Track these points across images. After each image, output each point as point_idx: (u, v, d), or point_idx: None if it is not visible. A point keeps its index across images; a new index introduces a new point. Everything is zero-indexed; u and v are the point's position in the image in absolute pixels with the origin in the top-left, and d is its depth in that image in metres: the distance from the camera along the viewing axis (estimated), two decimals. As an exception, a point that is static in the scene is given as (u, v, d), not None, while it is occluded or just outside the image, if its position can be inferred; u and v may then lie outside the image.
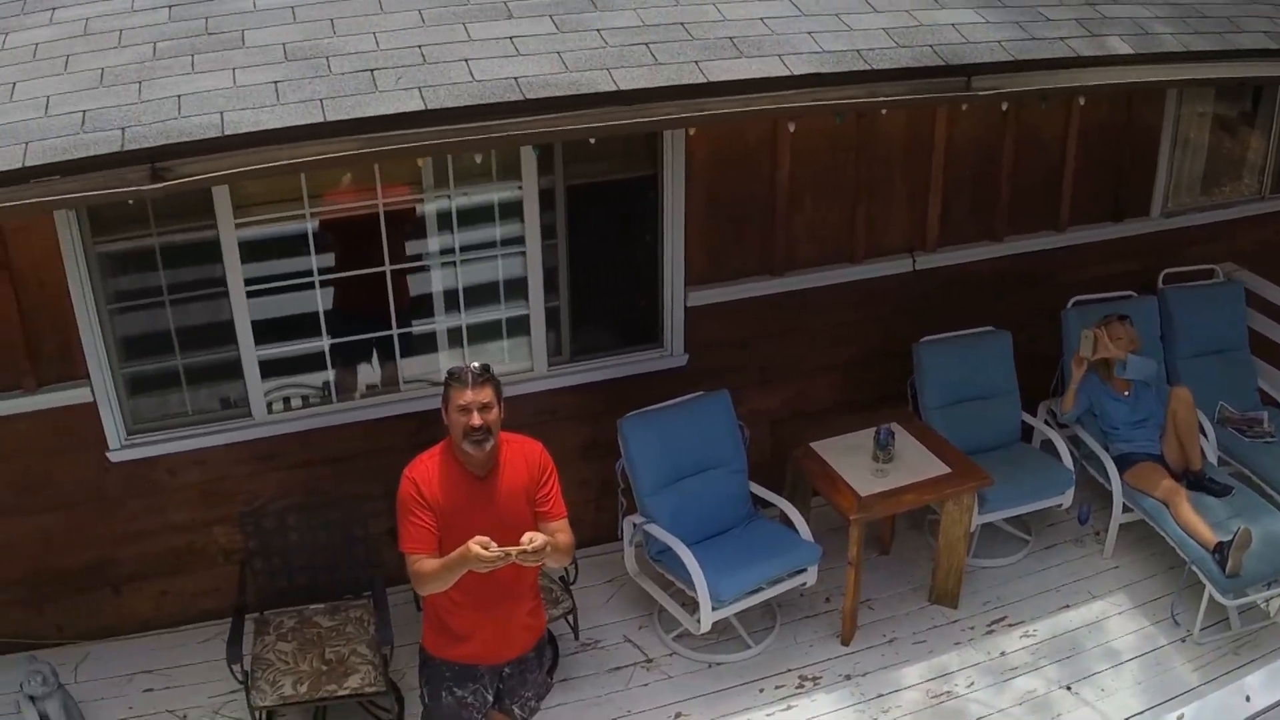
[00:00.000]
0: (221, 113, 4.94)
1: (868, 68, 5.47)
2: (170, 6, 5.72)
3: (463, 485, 4.85)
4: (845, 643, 6.66)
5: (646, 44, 5.44)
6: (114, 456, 6.40)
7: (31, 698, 5.99)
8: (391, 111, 4.98)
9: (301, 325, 6.54)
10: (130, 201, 5.13)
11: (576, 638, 6.58)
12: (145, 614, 6.75)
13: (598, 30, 5.53)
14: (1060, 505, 7.12)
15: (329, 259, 6.53)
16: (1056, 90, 5.93)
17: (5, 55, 5.46)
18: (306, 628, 6.21)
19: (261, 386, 6.50)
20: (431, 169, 6.42)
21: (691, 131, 6.27)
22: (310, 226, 6.36)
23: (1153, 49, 5.96)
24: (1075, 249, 7.73)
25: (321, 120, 4.92)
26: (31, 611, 6.64)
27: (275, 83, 5.13)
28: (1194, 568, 6.56)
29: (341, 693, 5.84)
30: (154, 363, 6.48)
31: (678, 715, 6.26)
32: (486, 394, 4.75)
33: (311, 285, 6.46)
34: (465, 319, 6.73)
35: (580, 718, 6.26)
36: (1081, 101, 6.67)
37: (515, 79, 5.14)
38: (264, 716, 6.00)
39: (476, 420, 4.71)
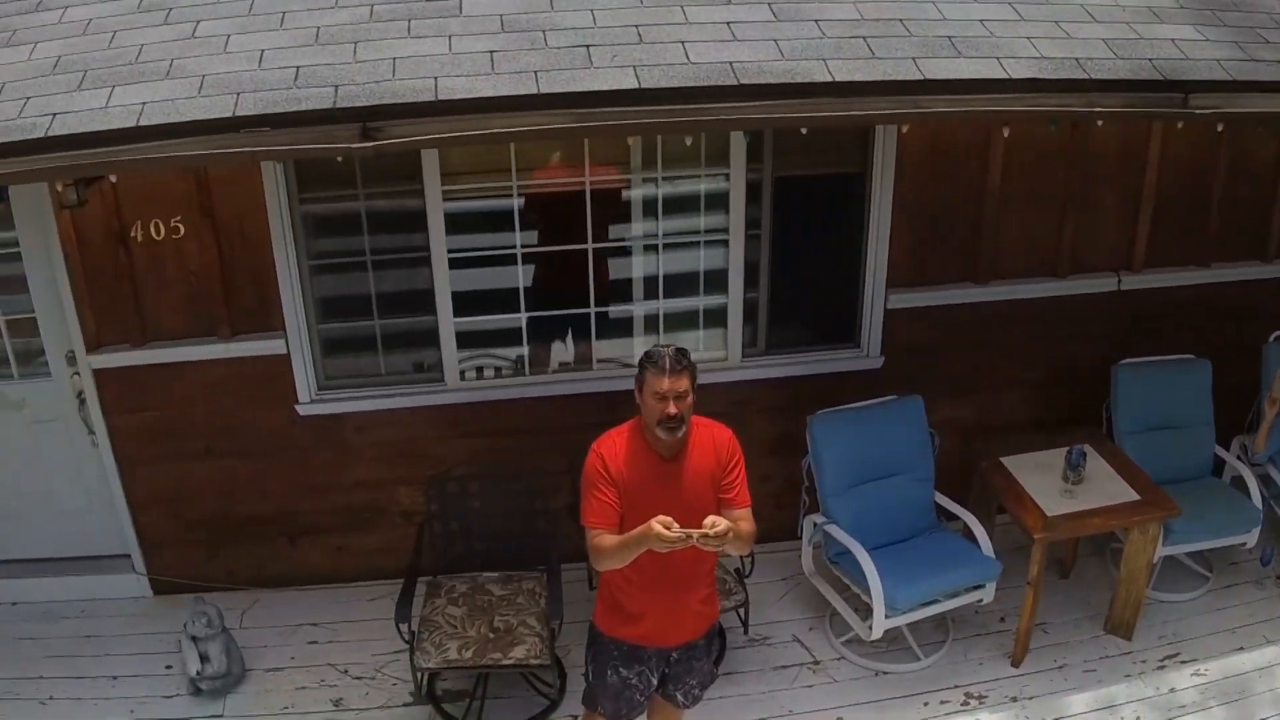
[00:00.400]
0: (435, 78, 4.98)
1: (1086, 77, 5.32)
2: (389, -29, 5.76)
3: (649, 465, 4.81)
4: (1015, 664, 6.50)
5: (864, 37, 5.35)
6: (303, 410, 6.51)
7: (194, 638, 6.14)
8: (605, 88, 4.97)
9: (500, 298, 6.54)
10: (339, 159, 5.22)
11: (746, 632, 6.51)
12: (319, 567, 6.85)
13: (815, 21, 5.45)
14: (1244, 544, 6.85)
15: (531, 235, 6.50)
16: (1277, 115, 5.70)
17: (222, 8, 5.56)
18: (478, 594, 6.23)
19: (456, 354, 6.53)
20: (640, 152, 6.37)
21: (904, 129, 6.14)
22: (516, 202, 6.34)
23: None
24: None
25: (535, 92, 4.92)
26: (206, 554, 6.79)
27: (491, 52, 5.15)
28: None
29: (506, 662, 5.86)
30: (350, 322, 6.55)
31: (839, 720, 6.21)
32: (684, 383, 4.69)
33: (513, 259, 6.45)
34: (663, 305, 6.68)
35: (741, 713, 6.18)
36: None
37: (730, 64, 5.10)
38: (425, 679, 6.05)
39: (672, 409, 4.67)
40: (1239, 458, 7.20)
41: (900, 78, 5.12)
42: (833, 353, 6.93)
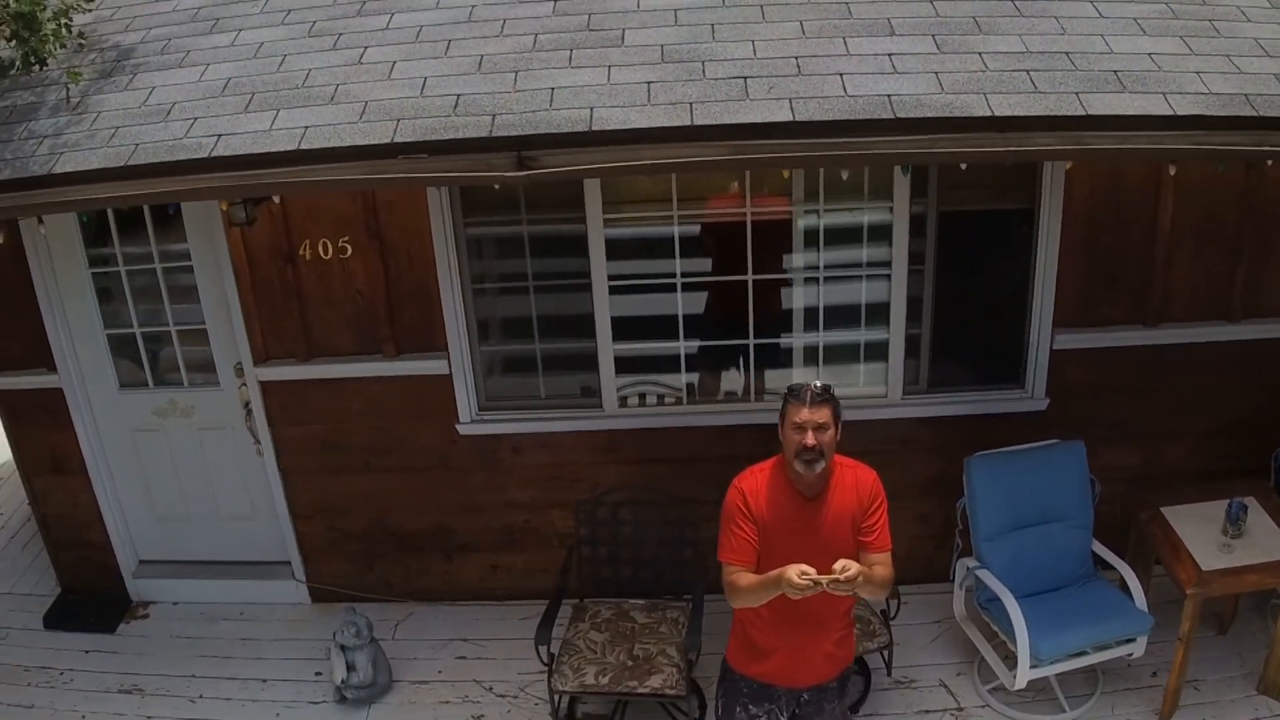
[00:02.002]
0: (591, 108, 5.04)
1: (1255, 114, 5.09)
2: (555, 0, 5.83)
3: (789, 503, 4.78)
4: (1162, 721, 6.36)
5: (1028, 71, 5.24)
6: (463, 429, 6.62)
7: (343, 647, 6.31)
8: (758, 120, 4.97)
9: (661, 326, 6.57)
10: (496, 186, 5.28)
11: (889, 674, 6.43)
12: (473, 584, 6.97)
13: (979, 54, 5.36)
14: None
15: (692, 264, 6.50)
16: None
17: (389, 35, 5.72)
18: (621, 620, 6.27)
19: (615, 380, 6.60)
20: (802, 183, 6.32)
21: (1069, 166, 6.02)
22: (676, 230, 6.35)
23: None
24: None
25: (689, 124, 4.94)
26: (363, 566, 6.96)
27: (648, 83, 5.19)
28: None
29: (641, 690, 5.89)
30: (511, 344, 6.67)
31: (976, 769, 6.08)
32: (824, 415, 4.66)
33: (674, 288, 6.47)
34: (822, 337, 6.63)
35: (878, 756, 6.13)
36: None
37: (888, 96, 5.05)
38: (564, 702, 6.13)
39: (810, 440, 4.63)
40: None
41: (1062, 113, 5.00)
42: (996, 393, 6.78)
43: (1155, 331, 6.67)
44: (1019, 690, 6.20)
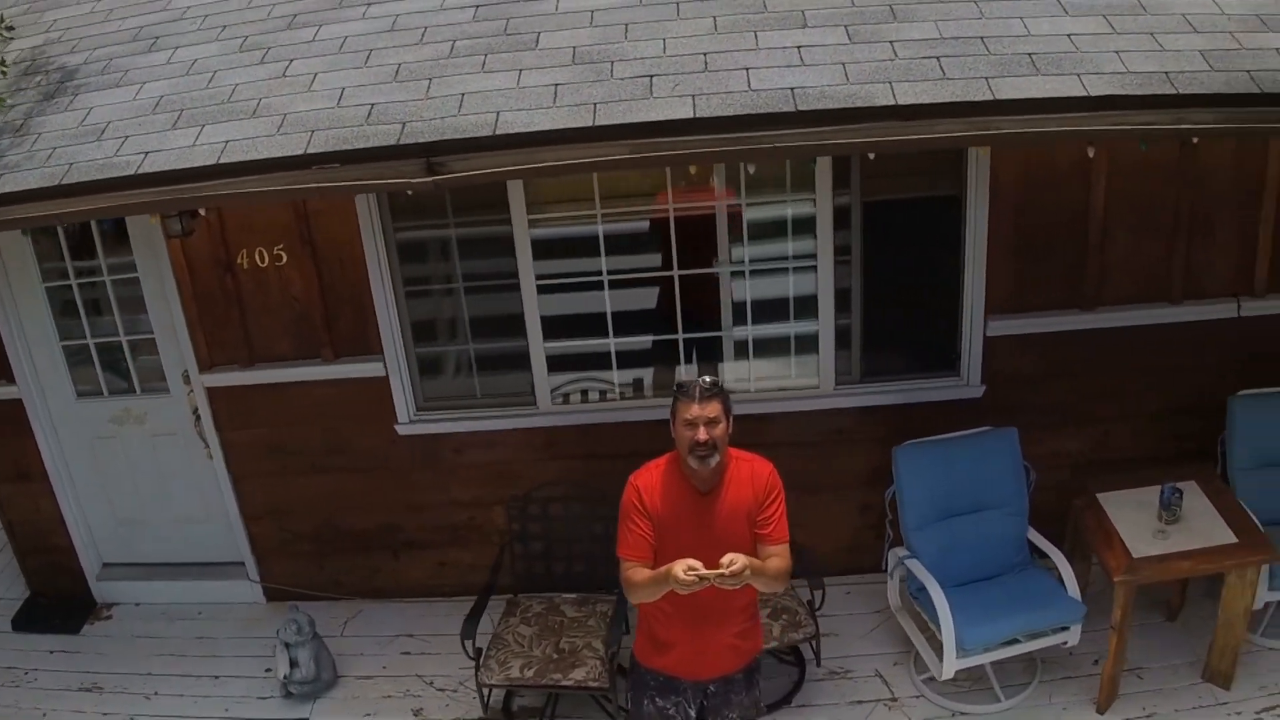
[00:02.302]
0: (498, 112, 5.12)
1: (1173, 91, 5.02)
2: (477, 6, 5.92)
3: (684, 498, 4.82)
4: (1100, 711, 6.22)
5: (938, 57, 5.22)
6: (402, 430, 6.74)
7: (286, 644, 6.47)
8: (660, 118, 5.00)
9: (592, 323, 6.62)
10: (410, 192, 5.38)
11: (819, 664, 6.45)
12: (420, 581, 7.08)
13: (890, 42, 5.35)
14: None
15: (624, 260, 6.54)
16: None
17: (315, 47, 5.83)
18: (551, 615, 6.36)
19: (548, 378, 6.67)
20: (723, 179, 6.33)
21: (982, 152, 6.00)
22: (600, 229, 6.40)
23: None
24: None
25: (590, 124, 4.99)
26: (314, 565, 7.11)
27: (556, 85, 5.26)
28: None
29: (566, 683, 5.98)
30: (445, 346, 6.76)
31: (910, 758, 6.07)
32: (714, 409, 4.69)
33: (600, 285, 6.52)
34: (751, 331, 6.65)
35: (808, 746, 6.14)
36: None
37: (792, 89, 5.06)
38: (499, 695, 6.23)
39: (702, 435, 4.66)
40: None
41: (969, 99, 4.98)
42: (931, 381, 6.75)
43: (1092, 315, 6.60)
44: (954, 680, 6.19)
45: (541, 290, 6.44)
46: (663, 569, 4.58)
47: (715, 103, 5.01)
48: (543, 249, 6.41)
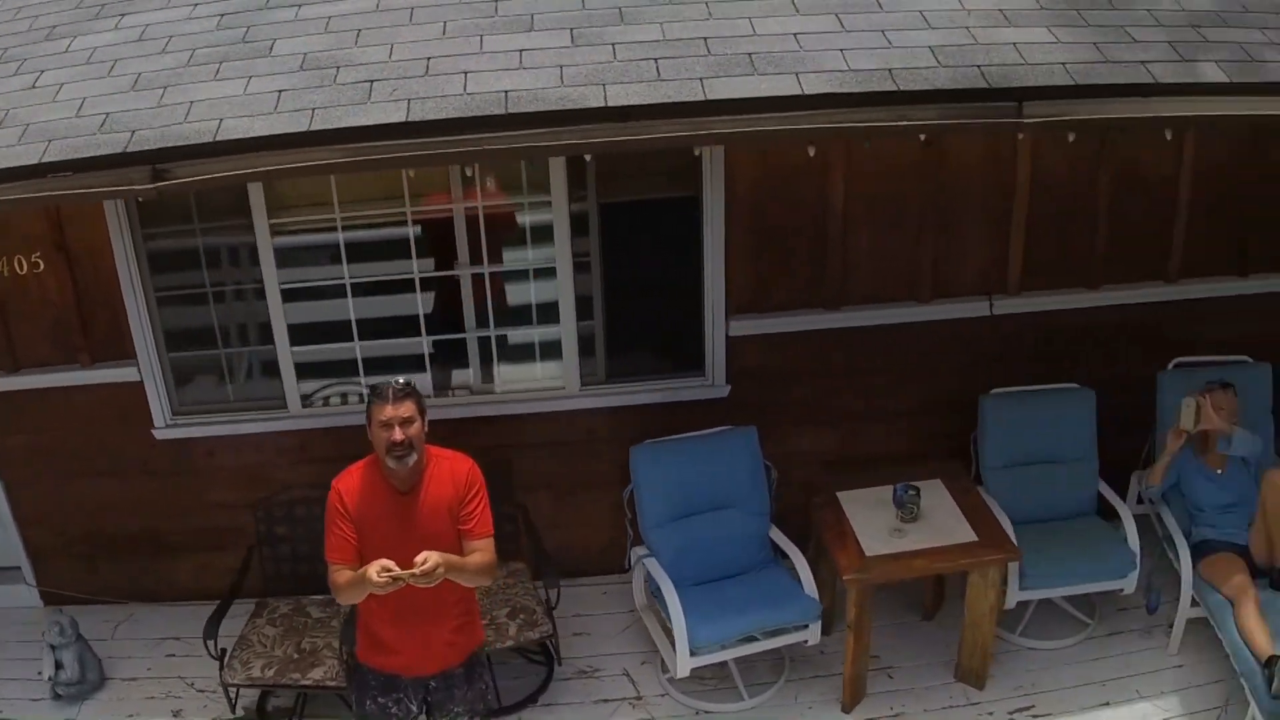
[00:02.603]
0: (221, 119, 5.18)
1: (894, 88, 5.09)
2: (221, 15, 5.98)
3: (385, 499, 4.88)
4: (846, 710, 6.25)
5: (656, 59, 5.27)
6: (159, 434, 6.78)
7: (51, 646, 6.49)
8: (372, 123, 5.05)
9: (348, 329, 6.65)
10: (140, 199, 5.41)
11: (559, 663, 6.48)
12: (185, 584, 7.09)
13: (613, 44, 5.41)
14: (1121, 590, 6.41)
15: (372, 267, 6.59)
16: (1125, 121, 5.31)
17: (67, 58, 5.90)
18: (297, 616, 6.41)
19: (296, 382, 6.70)
20: (461, 181, 6.33)
21: (713, 153, 6.03)
22: (341, 236, 6.42)
23: (1253, 78, 5.23)
24: (1190, 305, 6.89)
25: (306, 129, 5.04)
26: (88, 569, 7.13)
27: (280, 91, 5.32)
28: (1242, 681, 5.77)
29: (305, 682, 6.02)
30: (198, 351, 6.78)
31: (646, 759, 6.10)
32: (408, 409, 4.77)
33: (344, 292, 6.54)
34: (494, 334, 6.69)
35: (548, 745, 6.17)
36: (1168, 135, 5.77)
37: (505, 93, 5.11)
38: (239, 695, 6.20)
39: (398, 435, 4.73)
40: (1139, 498, 6.74)
41: (681, 99, 5.02)
42: (678, 381, 6.79)
43: (838, 315, 6.65)
44: (700, 678, 6.26)
45: (289, 297, 6.47)
46: (360, 571, 4.66)
47: (429, 106, 5.08)
48: (291, 256, 6.45)
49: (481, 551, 4.91)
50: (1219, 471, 6.38)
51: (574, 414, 6.73)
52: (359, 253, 6.50)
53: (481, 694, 5.37)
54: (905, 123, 5.17)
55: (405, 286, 6.59)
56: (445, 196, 6.41)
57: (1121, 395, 6.68)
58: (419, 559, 4.59)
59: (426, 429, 4.87)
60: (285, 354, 6.59)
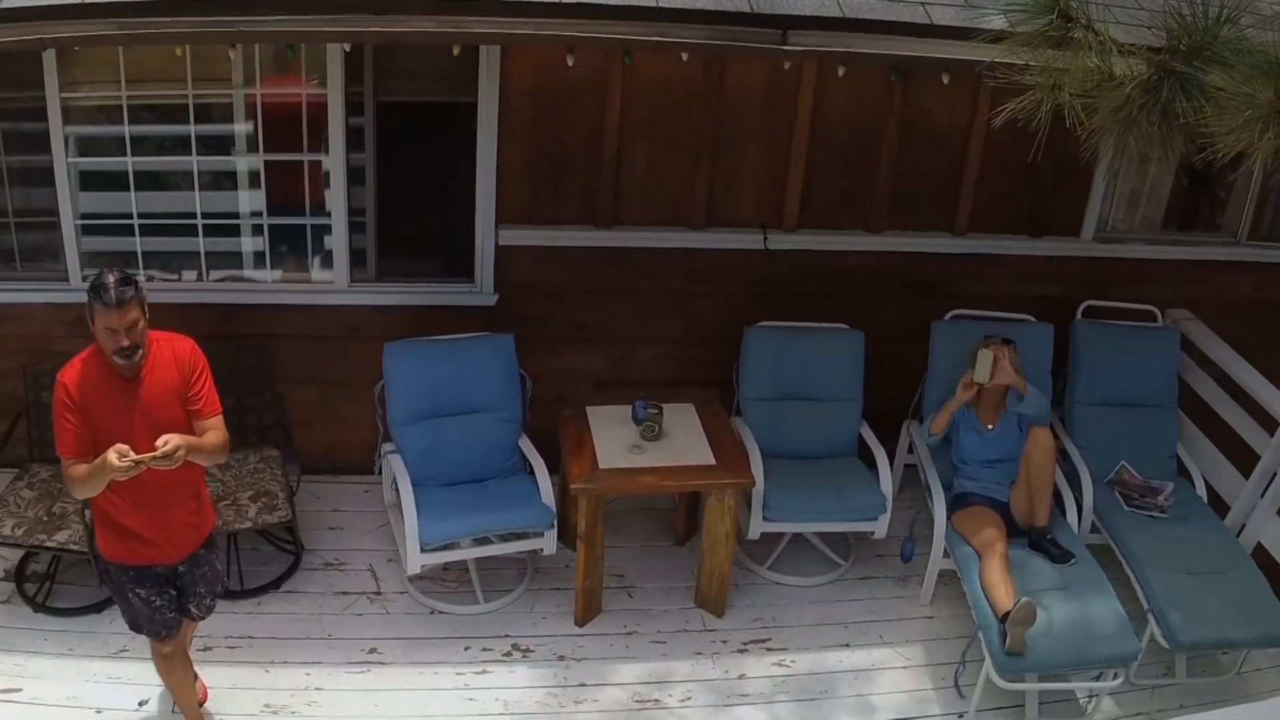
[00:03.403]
0: None
1: (654, 5, 5.10)
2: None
3: (111, 388, 4.81)
4: (578, 623, 6.27)
5: None
6: (-63, 301, 6.78)
7: None
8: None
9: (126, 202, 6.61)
10: None
11: (300, 549, 6.52)
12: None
13: None
14: (872, 534, 6.42)
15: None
16: (896, 59, 5.42)
17: None
18: (55, 482, 6.40)
19: (78, 252, 6.64)
20: (242, 62, 6.31)
21: (457, 50, 5.77)
22: (125, 109, 6.38)
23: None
24: (977, 260, 6.89)
25: (82, 2, 5.03)
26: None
27: None
28: (980, 634, 5.73)
29: (49, 544, 6.05)
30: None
31: (372, 650, 6.07)
32: (131, 314, 4.66)
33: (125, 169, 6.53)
34: (268, 220, 6.68)
35: (280, 629, 6.17)
36: (946, 80, 5.76)
37: None
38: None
39: (124, 340, 4.67)
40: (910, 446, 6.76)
41: None
42: (447, 286, 6.82)
43: (609, 233, 6.66)
44: (443, 580, 6.37)
45: (77, 167, 6.48)
46: (99, 460, 4.61)
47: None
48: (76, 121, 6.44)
49: (215, 430, 4.92)
50: (990, 428, 6.37)
51: (340, 309, 6.74)
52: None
53: (216, 572, 5.39)
54: (664, 39, 5.19)
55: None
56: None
57: (893, 344, 6.69)
58: (160, 441, 4.58)
59: (148, 320, 4.77)
60: (68, 221, 6.53)
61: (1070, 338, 6.85)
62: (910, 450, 6.81)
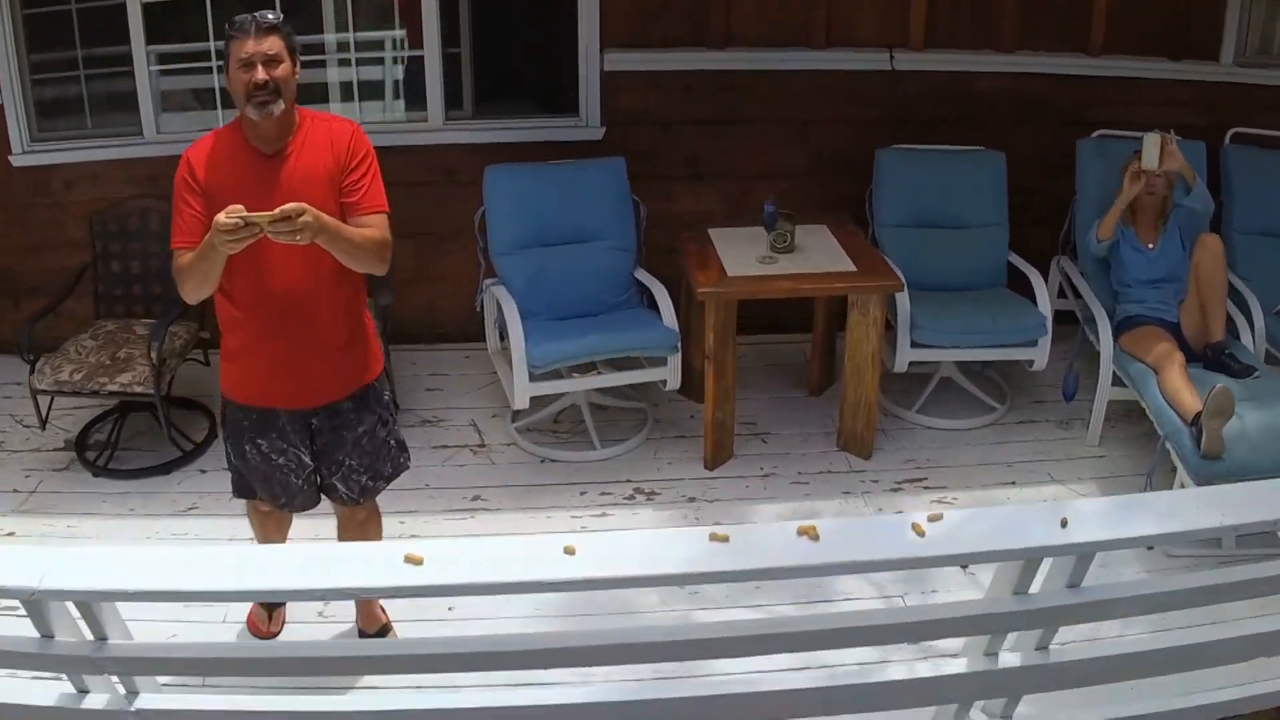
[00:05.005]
0: None
1: None
2: None
3: (244, 163, 3.93)
4: (708, 467, 5.66)
5: None
6: (16, 161, 6.34)
7: None
8: None
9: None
10: None
11: (395, 407, 5.86)
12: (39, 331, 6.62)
13: None
14: (1031, 364, 5.81)
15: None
16: None
17: None
18: (122, 333, 5.93)
19: (152, 104, 6.25)
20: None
21: None
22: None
23: None
24: (1112, 83, 6.33)
25: None
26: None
27: None
28: (1169, 444, 5.09)
29: (111, 387, 5.54)
30: (60, 74, 6.38)
31: (475, 497, 5.50)
32: (273, 43, 3.83)
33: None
34: (355, 54, 6.26)
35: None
36: None
37: None
38: (50, 405, 5.73)
39: (260, 75, 3.79)
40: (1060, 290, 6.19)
41: None
42: (549, 120, 6.34)
43: (723, 54, 6.17)
44: (553, 430, 5.87)
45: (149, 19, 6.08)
46: (206, 236, 3.73)
47: None
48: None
49: (376, 227, 3.98)
50: (1150, 246, 5.76)
51: (435, 149, 6.22)
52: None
53: (382, 446, 4.37)
54: None
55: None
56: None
57: (1033, 177, 6.18)
58: (287, 207, 3.63)
59: (299, 73, 3.95)
60: (144, 75, 6.16)
61: (1221, 165, 6.24)
62: (1061, 295, 6.20)
